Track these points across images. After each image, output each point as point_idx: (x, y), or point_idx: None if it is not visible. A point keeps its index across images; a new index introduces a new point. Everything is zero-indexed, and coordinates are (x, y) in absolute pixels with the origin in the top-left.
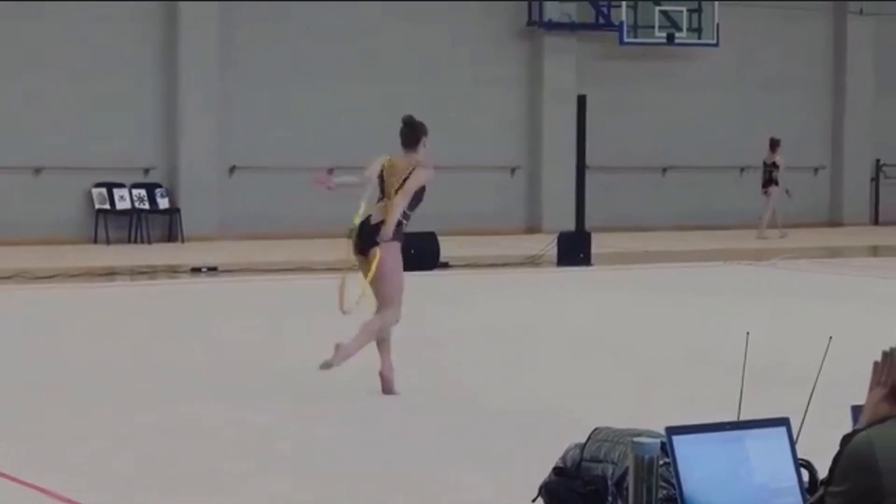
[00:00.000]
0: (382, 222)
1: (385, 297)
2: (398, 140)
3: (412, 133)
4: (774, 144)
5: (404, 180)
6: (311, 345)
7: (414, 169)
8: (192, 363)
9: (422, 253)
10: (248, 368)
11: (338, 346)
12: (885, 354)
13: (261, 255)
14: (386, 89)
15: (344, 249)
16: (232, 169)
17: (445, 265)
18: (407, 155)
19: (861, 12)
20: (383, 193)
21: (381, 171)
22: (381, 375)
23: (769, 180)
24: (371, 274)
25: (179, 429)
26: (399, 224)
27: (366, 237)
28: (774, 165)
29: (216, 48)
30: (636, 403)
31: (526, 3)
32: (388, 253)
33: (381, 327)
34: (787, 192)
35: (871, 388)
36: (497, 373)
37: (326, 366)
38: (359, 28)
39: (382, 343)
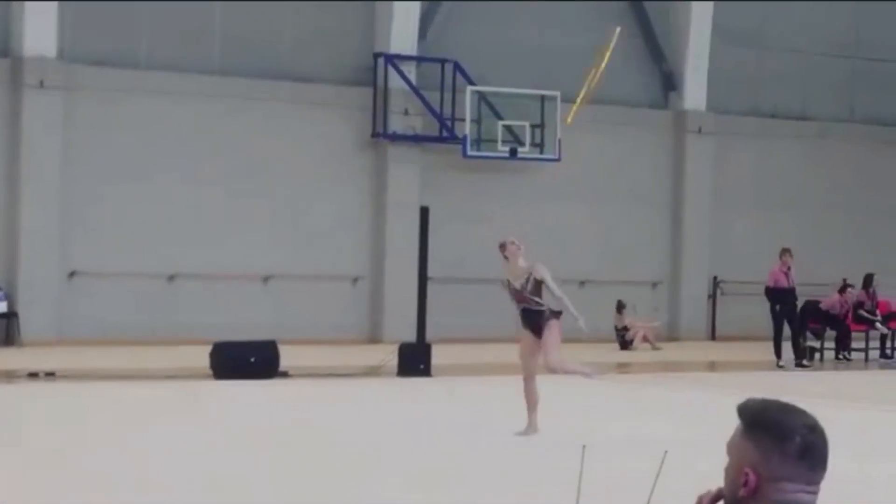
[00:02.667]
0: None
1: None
2: (239, 244)
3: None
4: None
5: (532, 279)
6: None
7: (532, 269)
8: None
9: (261, 361)
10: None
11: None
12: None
13: (100, 360)
14: (230, 195)
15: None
16: (72, 273)
17: (285, 374)
18: (513, 265)
19: (700, 131)
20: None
21: (507, 282)
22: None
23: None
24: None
25: None
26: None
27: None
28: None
29: (59, 149)
30: None
31: (371, 115)
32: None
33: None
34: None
35: None
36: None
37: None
38: (204, 134)
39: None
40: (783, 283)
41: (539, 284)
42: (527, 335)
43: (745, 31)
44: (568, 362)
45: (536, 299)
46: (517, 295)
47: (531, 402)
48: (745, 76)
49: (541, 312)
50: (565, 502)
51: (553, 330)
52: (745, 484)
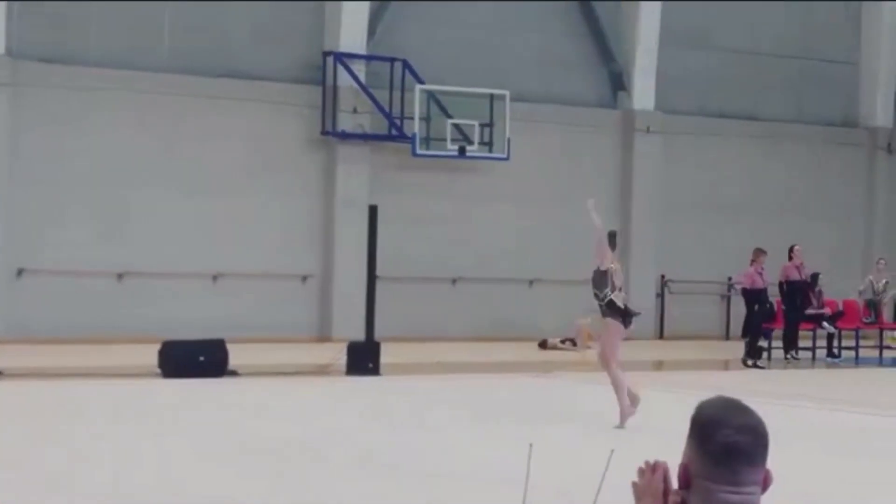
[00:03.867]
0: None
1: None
2: (188, 242)
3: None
4: None
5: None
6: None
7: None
8: None
9: (210, 360)
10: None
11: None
12: (641, 470)
13: (48, 359)
14: (179, 193)
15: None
16: (20, 272)
17: (234, 373)
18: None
19: (648, 130)
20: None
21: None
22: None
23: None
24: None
25: None
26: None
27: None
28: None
29: (6, 146)
30: None
31: (320, 113)
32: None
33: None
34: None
35: (637, 502)
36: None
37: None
38: (153, 131)
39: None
40: (759, 283)
41: (604, 274)
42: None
43: (693, 32)
44: (621, 381)
45: (595, 291)
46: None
47: (617, 387)
48: (693, 76)
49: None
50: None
51: (609, 329)
52: (679, 478)
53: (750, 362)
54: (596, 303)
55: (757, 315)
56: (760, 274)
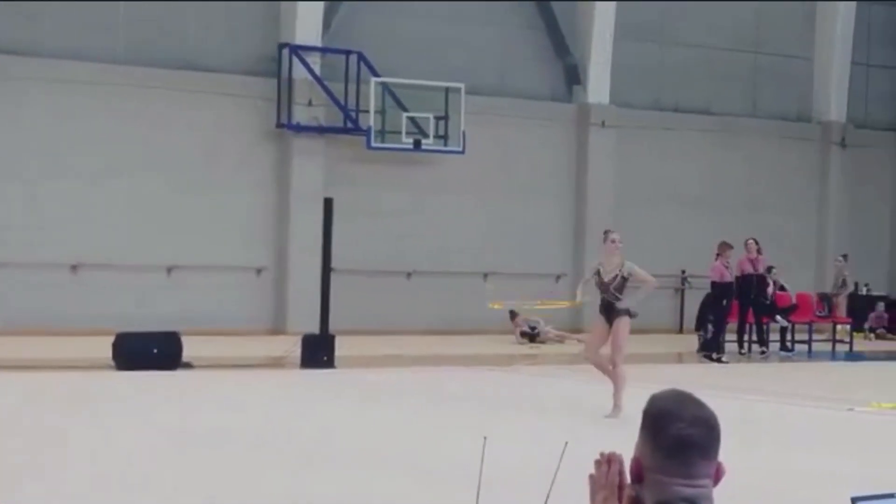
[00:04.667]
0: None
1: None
2: (143, 234)
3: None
4: None
5: (620, 276)
6: None
7: (624, 264)
8: None
9: (164, 353)
10: None
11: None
12: (598, 462)
13: (1, 350)
14: (134, 185)
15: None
16: None
17: (188, 365)
18: (611, 256)
19: (603, 124)
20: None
21: (598, 271)
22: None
23: None
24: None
25: None
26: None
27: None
28: None
29: None
30: None
31: (275, 105)
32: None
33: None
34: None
35: (593, 496)
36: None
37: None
38: (108, 123)
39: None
40: (728, 277)
41: (625, 282)
42: (600, 322)
43: (648, 27)
44: (623, 378)
45: (618, 294)
46: (603, 286)
47: (616, 383)
48: (648, 70)
49: (617, 306)
50: (467, 492)
51: (624, 326)
52: (631, 472)
53: (715, 356)
54: (603, 303)
55: (725, 309)
56: (727, 267)
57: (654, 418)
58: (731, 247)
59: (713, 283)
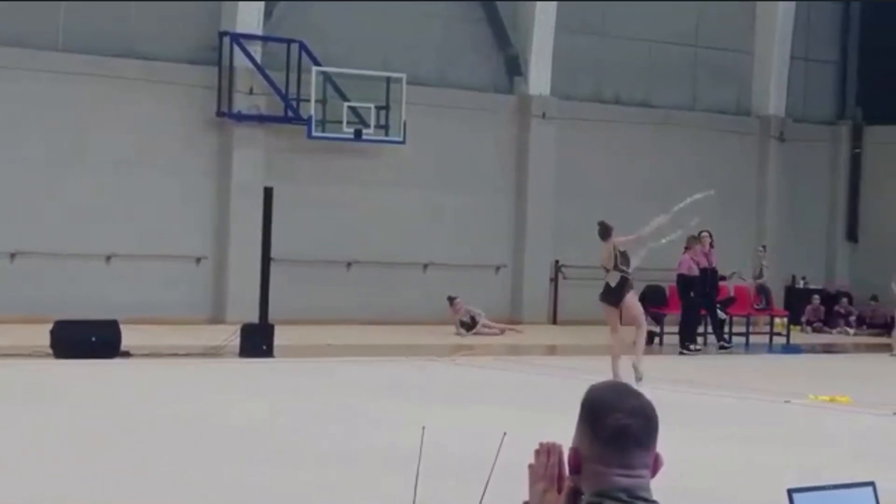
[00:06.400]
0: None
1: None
2: (81, 222)
3: (604, 231)
4: None
5: (617, 253)
6: None
7: (614, 246)
8: None
9: (102, 341)
10: None
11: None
12: (537, 452)
13: None
14: (73, 173)
15: None
16: None
17: (126, 354)
18: (606, 244)
19: (544, 116)
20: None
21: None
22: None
23: None
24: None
25: None
26: (627, 280)
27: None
28: None
29: None
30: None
31: (216, 94)
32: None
33: (642, 336)
34: None
35: (532, 486)
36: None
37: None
38: (47, 111)
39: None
40: (695, 270)
41: (624, 254)
42: (608, 308)
43: (589, 19)
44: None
45: (624, 268)
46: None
47: (637, 351)
48: (589, 63)
49: (625, 281)
50: (405, 483)
51: (635, 299)
52: (569, 463)
53: (693, 347)
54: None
55: (694, 300)
56: (695, 261)
57: (591, 409)
58: (698, 239)
59: (680, 276)
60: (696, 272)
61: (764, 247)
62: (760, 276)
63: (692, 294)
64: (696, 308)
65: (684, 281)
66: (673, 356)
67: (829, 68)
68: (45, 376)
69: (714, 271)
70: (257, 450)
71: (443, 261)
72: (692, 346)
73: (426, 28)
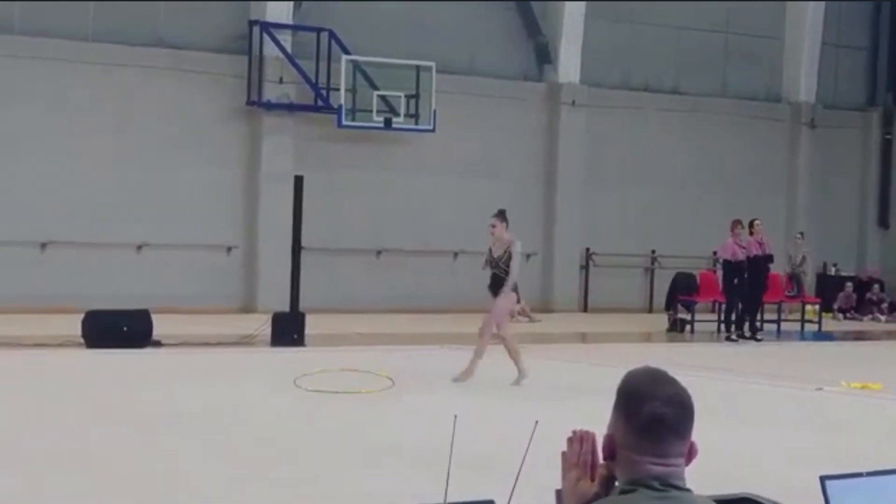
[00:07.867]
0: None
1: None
2: (112, 212)
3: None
4: None
5: (509, 251)
6: None
7: (512, 243)
8: None
9: (134, 331)
10: None
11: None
12: (570, 440)
13: None
14: (104, 163)
15: None
16: None
17: (158, 343)
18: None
19: (573, 104)
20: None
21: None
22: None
23: None
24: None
25: None
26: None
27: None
28: None
29: None
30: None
31: (245, 83)
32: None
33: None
34: None
35: (565, 474)
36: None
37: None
38: (78, 101)
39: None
40: (740, 255)
41: (511, 257)
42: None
43: (619, 6)
44: (513, 342)
45: (506, 268)
46: (493, 262)
47: (511, 351)
48: (618, 50)
49: (503, 280)
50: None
51: (506, 298)
52: (604, 449)
53: (736, 334)
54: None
55: (737, 288)
56: (741, 245)
57: (627, 396)
58: (741, 224)
59: (725, 262)
60: (740, 257)
61: (801, 234)
62: (802, 263)
63: (735, 281)
64: (742, 295)
65: (729, 266)
66: (704, 343)
67: (859, 54)
68: (76, 365)
69: (768, 258)
70: (287, 437)
71: (473, 249)
72: (734, 335)
73: (455, 16)
